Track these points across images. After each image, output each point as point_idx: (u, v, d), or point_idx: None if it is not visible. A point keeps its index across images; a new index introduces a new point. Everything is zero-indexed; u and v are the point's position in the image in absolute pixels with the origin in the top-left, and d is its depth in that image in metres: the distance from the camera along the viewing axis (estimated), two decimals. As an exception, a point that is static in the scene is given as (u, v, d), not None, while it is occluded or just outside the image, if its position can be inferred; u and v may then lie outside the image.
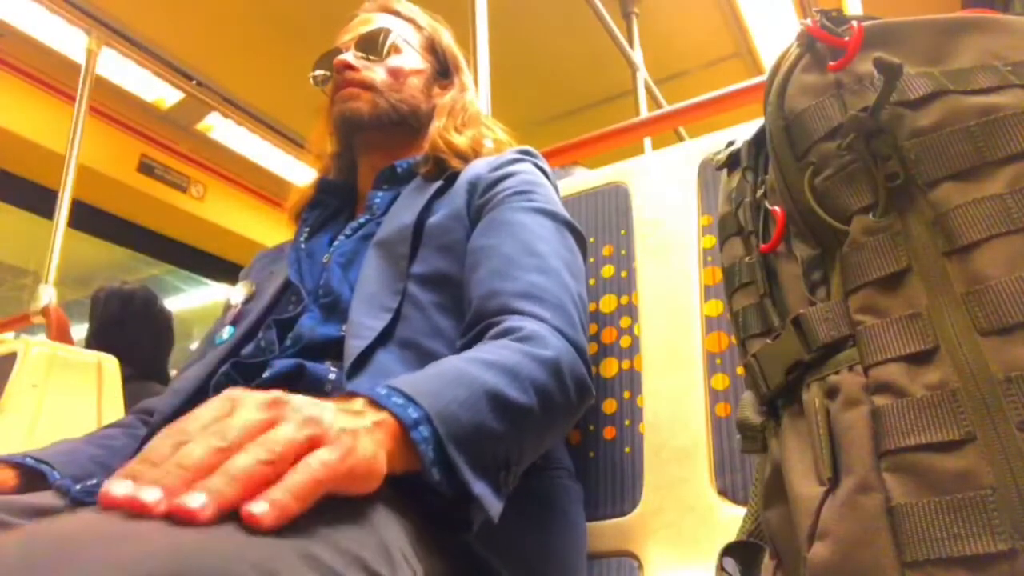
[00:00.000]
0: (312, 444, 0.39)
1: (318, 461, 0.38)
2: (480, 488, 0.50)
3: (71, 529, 0.32)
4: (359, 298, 0.74)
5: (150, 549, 0.30)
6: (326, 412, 0.42)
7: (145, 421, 0.86)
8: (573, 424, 0.72)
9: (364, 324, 0.71)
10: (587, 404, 0.69)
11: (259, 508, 0.35)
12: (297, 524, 0.36)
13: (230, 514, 0.35)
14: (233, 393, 0.42)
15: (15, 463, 0.72)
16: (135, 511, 0.33)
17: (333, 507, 0.39)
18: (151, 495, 0.34)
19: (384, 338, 0.70)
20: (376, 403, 0.47)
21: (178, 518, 0.33)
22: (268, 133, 3.73)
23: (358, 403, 0.47)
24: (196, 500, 0.34)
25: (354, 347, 0.68)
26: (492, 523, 0.51)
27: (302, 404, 0.42)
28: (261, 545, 0.34)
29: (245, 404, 0.40)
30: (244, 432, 0.38)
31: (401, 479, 0.46)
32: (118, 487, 0.34)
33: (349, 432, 0.42)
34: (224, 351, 0.79)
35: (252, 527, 0.34)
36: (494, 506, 0.51)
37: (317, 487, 0.37)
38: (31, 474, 0.72)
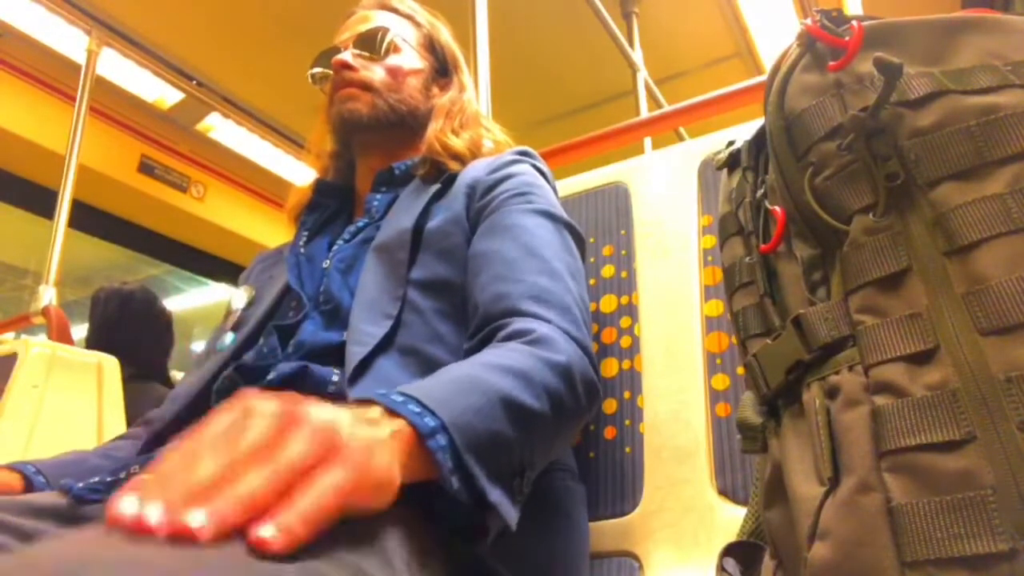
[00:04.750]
0: (325, 457, 0.38)
1: (330, 484, 0.37)
2: (497, 496, 0.49)
3: (72, 555, 0.31)
4: (359, 304, 0.74)
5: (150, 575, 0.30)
6: (343, 423, 0.41)
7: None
8: (582, 426, 0.72)
9: (365, 331, 0.71)
10: (596, 406, 0.69)
11: (268, 532, 0.34)
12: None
13: (232, 532, 0.34)
14: (248, 402, 0.41)
15: (18, 470, 0.73)
16: (138, 531, 0.33)
17: None
18: (154, 514, 0.33)
19: (385, 345, 0.70)
20: (392, 411, 0.46)
21: (179, 538, 0.33)
22: (268, 133, 3.73)
23: (375, 411, 0.46)
24: (196, 519, 0.33)
25: (355, 354, 0.68)
26: (509, 531, 0.50)
27: (317, 418, 0.40)
28: (261, 566, 0.33)
29: (258, 416, 0.39)
30: (255, 448, 0.37)
31: (412, 489, 0.46)
32: (124, 504, 0.34)
33: (364, 446, 0.40)
34: (225, 357, 0.79)
35: (260, 551, 0.34)
36: (511, 513, 0.50)
37: (328, 513, 0.36)
38: (30, 480, 0.73)
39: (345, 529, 0.40)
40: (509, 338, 0.65)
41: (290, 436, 0.38)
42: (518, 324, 0.66)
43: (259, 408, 0.40)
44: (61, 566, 0.30)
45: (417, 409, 0.48)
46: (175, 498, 0.34)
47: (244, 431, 0.38)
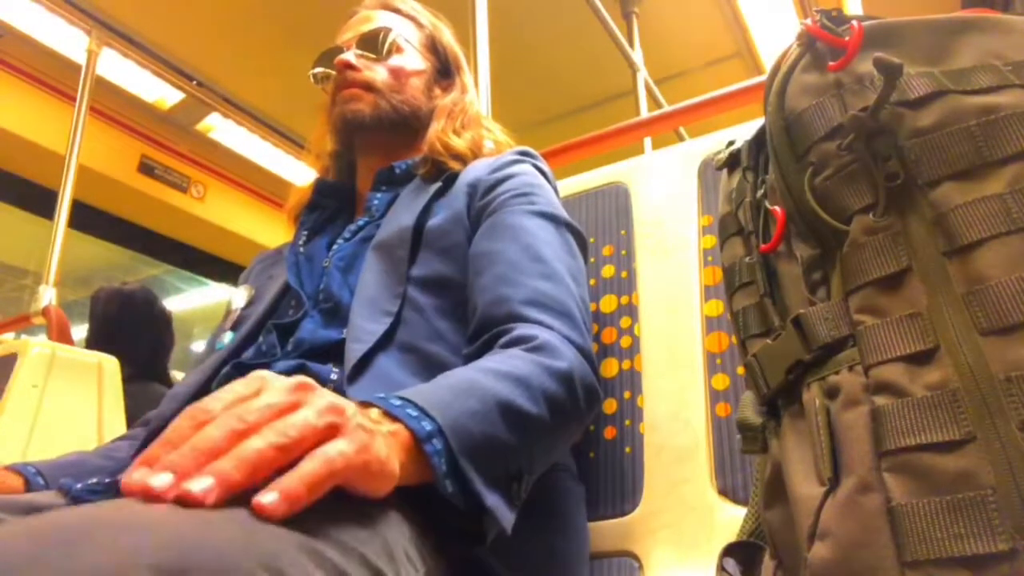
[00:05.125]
0: (330, 433, 0.39)
1: (335, 451, 0.38)
2: (493, 500, 0.50)
3: (78, 519, 0.32)
4: (359, 302, 0.74)
5: (155, 540, 0.30)
6: (349, 406, 0.42)
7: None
8: (583, 430, 0.72)
9: (364, 328, 0.71)
10: (596, 410, 0.69)
11: (269, 498, 0.35)
12: (301, 519, 0.36)
13: (237, 502, 0.35)
14: (262, 373, 0.42)
15: (19, 472, 0.73)
16: (148, 497, 0.34)
17: (338, 505, 0.39)
18: (161, 481, 0.34)
19: (385, 342, 0.70)
20: (390, 414, 0.47)
21: (185, 502, 0.34)
22: (268, 133, 3.73)
23: (373, 412, 0.47)
24: (201, 484, 0.34)
25: (355, 351, 0.68)
26: (505, 534, 0.51)
27: (327, 393, 0.42)
28: (265, 538, 0.34)
29: (271, 386, 0.41)
30: (263, 414, 0.38)
31: (412, 492, 0.46)
32: (135, 474, 0.35)
33: (367, 429, 0.42)
34: (224, 355, 0.79)
35: (261, 517, 0.34)
36: (507, 518, 0.51)
37: (330, 478, 0.37)
38: (31, 482, 0.73)
39: (347, 516, 0.40)
40: (510, 344, 0.65)
41: (301, 404, 0.40)
42: (520, 330, 0.66)
43: (271, 380, 0.41)
44: (68, 528, 0.31)
45: (414, 413, 0.48)
46: (182, 460, 0.35)
47: (255, 400, 0.40)
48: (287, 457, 0.37)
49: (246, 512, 0.35)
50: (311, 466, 0.37)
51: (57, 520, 0.32)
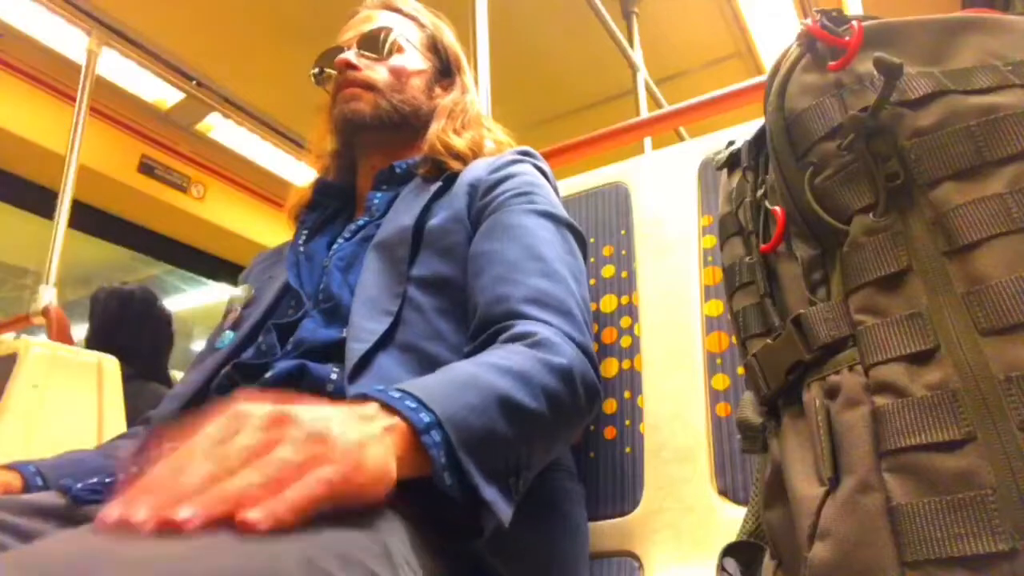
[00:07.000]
0: (313, 464, 0.39)
1: (316, 479, 0.38)
2: (491, 493, 0.50)
3: (78, 552, 0.31)
4: (359, 301, 0.74)
5: (155, 572, 0.30)
6: (333, 426, 0.41)
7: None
8: (583, 428, 0.72)
9: (365, 328, 0.71)
10: (597, 408, 0.69)
11: (254, 514, 0.35)
12: (300, 531, 0.36)
13: (231, 527, 0.35)
14: (238, 411, 0.41)
15: (17, 470, 0.73)
16: (126, 530, 0.33)
17: (336, 511, 0.39)
18: (140, 514, 0.34)
19: (385, 341, 0.70)
20: (388, 407, 0.47)
21: (165, 528, 0.33)
22: (268, 133, 3.73)
23: (370, 408, 0.47)
24: (184, 512, 0.34)
25: (355, 350, 0.68)
26: (503, 528, 0.51)
27: (308, 420, 0.41)
28: (262, 555, 0.33)
29: (247, 425, 0.40)
30: (242, 458, 0.38)
31: (410, 485, 0.46)
32: (111, 510, 0.34)
33: (356, 442, 0.41)
34: (224, 355, 0.79)
35: (247, 531, 0.34)
36: (504, 511, 0.51)
37: (314, 503, 0.37)
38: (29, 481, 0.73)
39: (344, 521, 0.40)
40: (510, 341, 0.65)
41: (279, 442, 0.39)
42: (520, 327, 0.66)
43: (248, 414, 0.40)
44: (69, 563, 0.31)
45: (413, 405, 0.48)
46: (162, 501, 0.35)
47: (233, 438, 0.39)
48: (269, 493, 0.36)
49: (239, 537, 0.34)
50: (295, 493, 0.36)
51: (52, 553, 0.31)
